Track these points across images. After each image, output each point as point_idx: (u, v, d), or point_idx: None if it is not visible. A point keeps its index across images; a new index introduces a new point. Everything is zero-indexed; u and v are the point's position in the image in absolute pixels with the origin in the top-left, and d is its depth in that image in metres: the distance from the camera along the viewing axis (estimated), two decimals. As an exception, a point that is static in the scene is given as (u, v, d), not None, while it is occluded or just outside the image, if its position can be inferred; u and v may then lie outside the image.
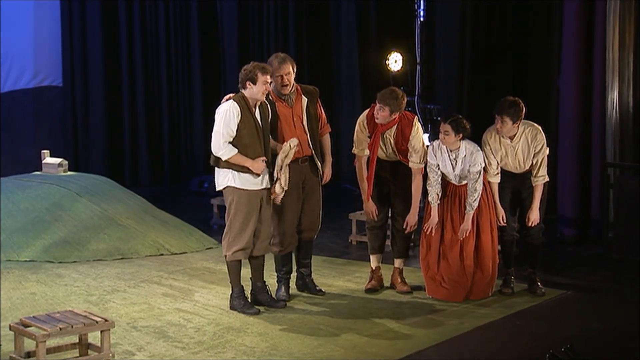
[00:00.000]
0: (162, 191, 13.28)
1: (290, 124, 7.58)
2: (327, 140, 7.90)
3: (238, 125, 7.16)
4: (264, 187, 7.33)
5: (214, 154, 7.26)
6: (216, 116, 7.26)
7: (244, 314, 7.32)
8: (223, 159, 7.20)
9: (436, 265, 7.75)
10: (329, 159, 7.88)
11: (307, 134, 7.63)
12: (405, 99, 7.69)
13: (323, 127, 7.85)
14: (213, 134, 7.23)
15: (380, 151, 7.78)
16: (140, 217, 9.88)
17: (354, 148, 7.84)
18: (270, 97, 7.54)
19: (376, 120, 7.67)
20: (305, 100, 7.67)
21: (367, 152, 7.77)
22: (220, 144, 7.17)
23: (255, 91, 7.21)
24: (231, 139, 7.16)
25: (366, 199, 7.85)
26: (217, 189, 7.42)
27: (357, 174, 7.87)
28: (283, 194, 7.40)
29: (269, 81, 7.27)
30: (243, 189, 7.24)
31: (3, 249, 9.18)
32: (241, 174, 7.23)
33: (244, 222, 7.28)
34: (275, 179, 7.36)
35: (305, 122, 7.63)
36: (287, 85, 7.55)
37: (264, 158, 7.23)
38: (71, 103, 13.43)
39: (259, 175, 7.23)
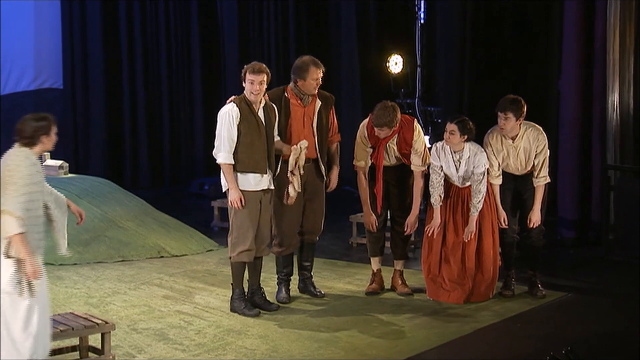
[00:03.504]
0: (163, 193, 13.26)
1: (300, 124, 7.57)
2: (335, 149, 7.87)
3: (238, 126, 7.20)
4: (263, 188, 7.34)
5: (214, 155, 7.33)
6: (218, 119, 7.32)
7: (244, 316, 7.33)
8: (217, 161, 7.26)
9: (437, 267, 7.74)
10: (336, 167, 7.83)
11: (315, 137, 7.62)
12: (398, 109, 7.61)
13: (333, 135, 7.82)
14: (216, 137, 7.29)
15: (384, 160, 7.75)
16: (141, 219, 9.87)
17: (355, 160, 7.79)
18: (286, 94, 7.54)
19: (378, 135, 7.64)
20: (319, 103, 7.66)
21: (369, 162, 7.73)
22: (221, 147, 7.24)
23: (245, 90, 7.25)
24: (233, 143, 7.20)
25: (368, 211, 7.81)
26: (223, 190, 7.44)
27: (358, 185, 7.85)
28: (296, 196, 7.40)
29: (263, 80, 7.21)
30: (242, 190, 7.26)
31: (3, 251, 9.16)
32: (241, 175, 7.26)
33: (244, 221, 7.29)
34: (288, 181, 7.36)
35: (315, 124, 7.62)
36: (315, 87, 7.53)
37: (242, 197, 7.21)
38: (71, 105, 13.42)
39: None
